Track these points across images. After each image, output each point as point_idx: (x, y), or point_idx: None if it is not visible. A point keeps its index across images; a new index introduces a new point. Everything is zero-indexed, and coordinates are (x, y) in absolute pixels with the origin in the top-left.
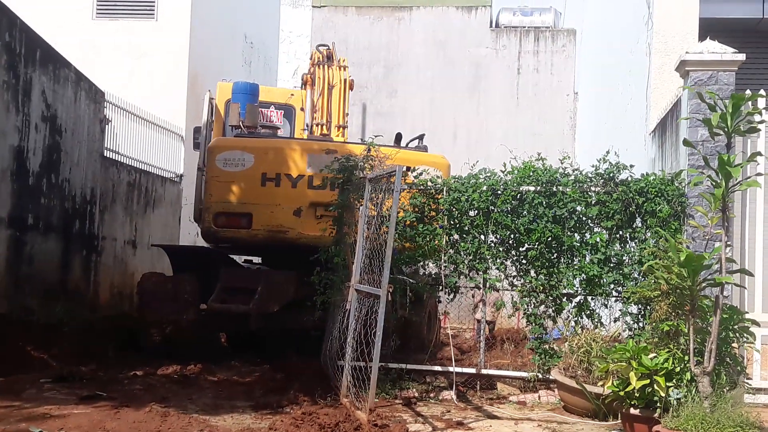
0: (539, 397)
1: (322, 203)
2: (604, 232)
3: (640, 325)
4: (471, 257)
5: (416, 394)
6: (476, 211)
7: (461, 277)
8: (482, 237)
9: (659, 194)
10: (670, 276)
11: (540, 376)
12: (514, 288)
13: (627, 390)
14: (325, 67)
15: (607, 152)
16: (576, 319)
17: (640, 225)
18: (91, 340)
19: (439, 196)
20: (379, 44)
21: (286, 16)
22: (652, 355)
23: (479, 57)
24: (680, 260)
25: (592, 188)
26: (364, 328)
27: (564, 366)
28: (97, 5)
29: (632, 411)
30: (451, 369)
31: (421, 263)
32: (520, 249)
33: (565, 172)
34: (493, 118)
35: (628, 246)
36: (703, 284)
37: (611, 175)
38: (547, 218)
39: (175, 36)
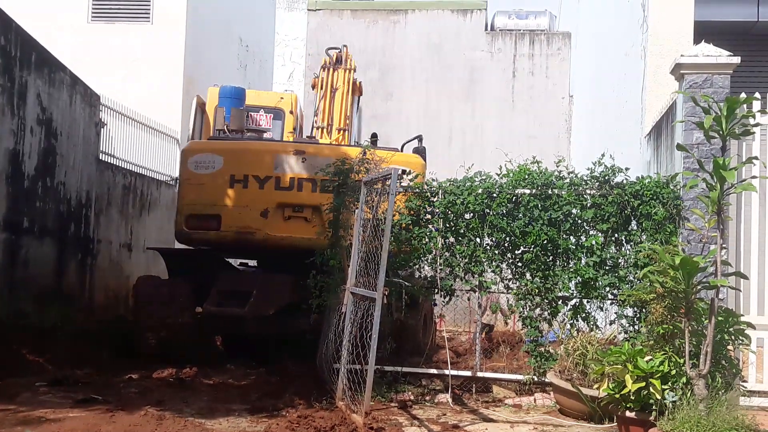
0: (535, 400)
1: (290, 204)
2: (600, 234)
3: (636, 327)
4: (466, 260)
5: (412, 397)
6: (472, 214)
7: (457, 280)
8: (478, 240)
9: (654, 197)
10: (665, 279)
11: (536, 379)
12: (510, 291)
13: (622, 393)
14: (331, 70)
15: (603, 155)
16: (572, 321)
17: (635, 228)
18: (87, 343)
19: (435, 199)
20: (375, 47)
21: (281, 20)
22: (647, 358)
23: (474, 60)
24: (675, 263)
25: (588, 191)
26: (359, 331)
27: (560, 369)
28: (93, 8)
29: (628, 414)
30: (446, 372)
31: (417, 266)
32: (516, 252)
33: (561, 175)
34: (488, 121)
35: (623, 249)
36: (699, 287)
37: (606, 178)
38: (542, 221)
39: (170, 39)
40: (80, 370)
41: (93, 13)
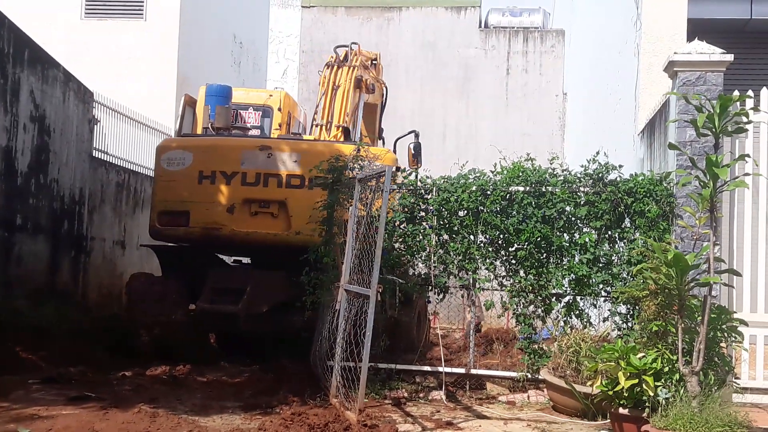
0: (528, 397)
1: (256, 200)
2: (593, 232)
3: (629, 324)
4: (460, 257)
5: (406, 395)
6: (466, 212)
7: (450, 277)
8: (471, 237)
9: (648, 194)
10: (658, 276)
11: (529, 376)
12: (504, 288)
13: (616, 390)
14: (335, 68)
15: (596, 152)
16: (565, 319)
17: (628, 225)
18: (80, 341)
19: (429, 197)
20: (369, 44)
21: (275, 17)
22: (640, 355)
23: (468, 57)
24: (668, 260)
25: (581, 188)
26: (353, 328)
27: (553, 366)
28: (86, 5)
29: (621, 411)
30: (440, 369)
31: (411, 263)
32: (510, 249)
33: (554, 173)
34: (482, 119)
35: (616, 246)
36: (692, 284)
37: (600, 175)
38: (536, 218)
39: (163, 36)
40: (74, 367)
41: (86, 9)
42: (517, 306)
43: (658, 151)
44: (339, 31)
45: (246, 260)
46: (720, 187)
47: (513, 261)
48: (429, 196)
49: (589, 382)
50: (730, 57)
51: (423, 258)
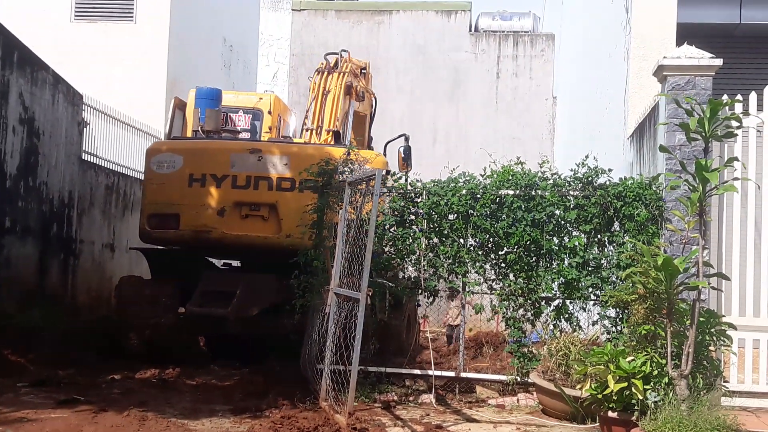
0: (518, 400)
1: (246, 203)
2: (583, 235)
3: (618, 328)
4: (450, 261)
5: (395, 398)
6: (455, 215)
7: (440, 280)
8: (461, 240)
9: (637, 198)
10: (647, 280)
11: (519, 379)
12: (494, 291)
13: (605, 393)
14: (325, 74)
15: (586, 156)
16: (554, 322)
17: (618, 229)
18: (69, 344)
19: (419, 200)
20: (359, 48)
21: (265, 20)
22: (629, 359)
23: (458, 61)
24: (657, 264)
25: (571, 192)
26: (343, 331)
27: (543, 369)
28: (76, 7)
29: (610, 414)
30: (430, 372)
31: (401, 267)
32: (499, 252)
33: (544, 176)
34: (472, 122)
35: (606, 250)
36: (680, 288)
37: (590, 179)
38: (525, 222)
39: (153, 38)
40: (63, 370)
41: (76, 12)
42: (506, 309)
43: (648, 155)
44: (329, 35)
45: (236, 263)
46: (709, 191)
47: (503, 264)
48: (419, 200)
49: (579, 386)
50: (719, 61)
51: (413, 261)
